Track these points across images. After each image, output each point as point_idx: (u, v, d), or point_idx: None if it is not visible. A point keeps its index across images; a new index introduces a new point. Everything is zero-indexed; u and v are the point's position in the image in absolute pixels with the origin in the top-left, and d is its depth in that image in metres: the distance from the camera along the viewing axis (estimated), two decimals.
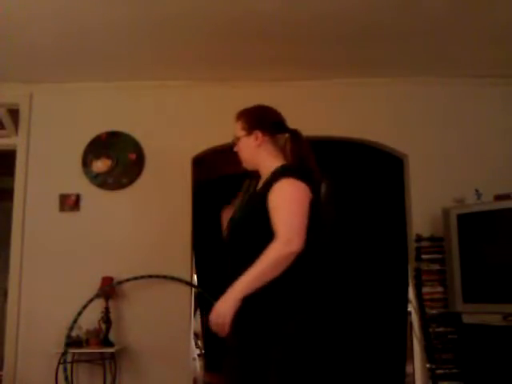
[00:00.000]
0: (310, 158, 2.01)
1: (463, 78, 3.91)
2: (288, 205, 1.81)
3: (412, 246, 3.79)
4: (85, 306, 3.56)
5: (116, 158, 3.88)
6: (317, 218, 1.88)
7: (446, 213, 3.48)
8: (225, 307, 1.75)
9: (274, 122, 2.07)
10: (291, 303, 1.82)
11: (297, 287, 1.83)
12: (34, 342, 3.67)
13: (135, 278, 3.67)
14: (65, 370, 3.42)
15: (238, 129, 2.08)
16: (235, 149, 2.11)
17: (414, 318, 3.86)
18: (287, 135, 2.05)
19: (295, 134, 2.05)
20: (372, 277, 4.02)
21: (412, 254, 3.79)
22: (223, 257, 1.97)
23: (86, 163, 3.89)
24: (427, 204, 3.77)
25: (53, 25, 3.14)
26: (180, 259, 3.80)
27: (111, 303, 3.64)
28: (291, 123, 2.13)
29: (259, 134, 2.03)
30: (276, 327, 1.79)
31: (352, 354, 3.93)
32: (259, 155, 2.04)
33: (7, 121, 3.88)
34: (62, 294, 3.71)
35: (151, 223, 3.80)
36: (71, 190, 3.86)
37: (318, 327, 1.81)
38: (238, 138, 2.08)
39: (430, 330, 3.56)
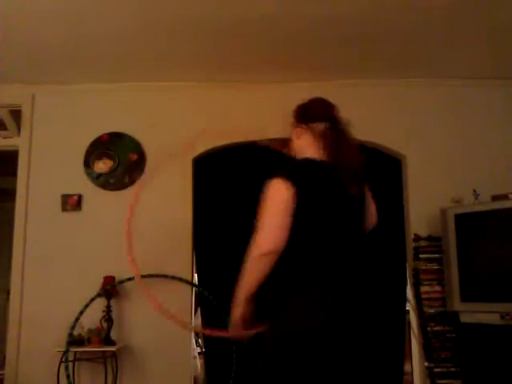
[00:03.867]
0: (341, 148, 1.99)
1: (461, 79, 3.94)
2: (265, 209, 1.86)
3: (410, 245, 3.82)
4: (86, 305, 3.58)
5: (117, 159, 3.91)
6: (311, 213, 1.88)
7: (443, 213, 3.51)
8: (233, 315, 1.91)
9: (308, 111, 2.08)
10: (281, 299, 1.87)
11: (285, 280, 1.88)
12: (35, 340, 3.69)
13: None
14: (66, 368, 3.42)
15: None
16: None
17: (412, 317, 3.89)
18: (325, 124, 2.04)
19: (332, 123, 2.05)
20: (370, 276, 4.04)
21: (410, 254, 3.82)
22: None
23: (87, 164, 3.92)
24: (425, 204, 3.80)
25: (55, 27, 3.17)
26: (181, 258, 3.83)
27: (113, 302, 3.66)
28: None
29: (296, 125, 2.08)
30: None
31: (350, 353, 3.95)
32: (299, 146, 2.07)
33: (9, 121, 3.92)
34: (63, 293, 3.73)
35: (152, 223, 3.81)
36: (73, 191, 3.88)
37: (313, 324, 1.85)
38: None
39: (428, 328, 3.59)
